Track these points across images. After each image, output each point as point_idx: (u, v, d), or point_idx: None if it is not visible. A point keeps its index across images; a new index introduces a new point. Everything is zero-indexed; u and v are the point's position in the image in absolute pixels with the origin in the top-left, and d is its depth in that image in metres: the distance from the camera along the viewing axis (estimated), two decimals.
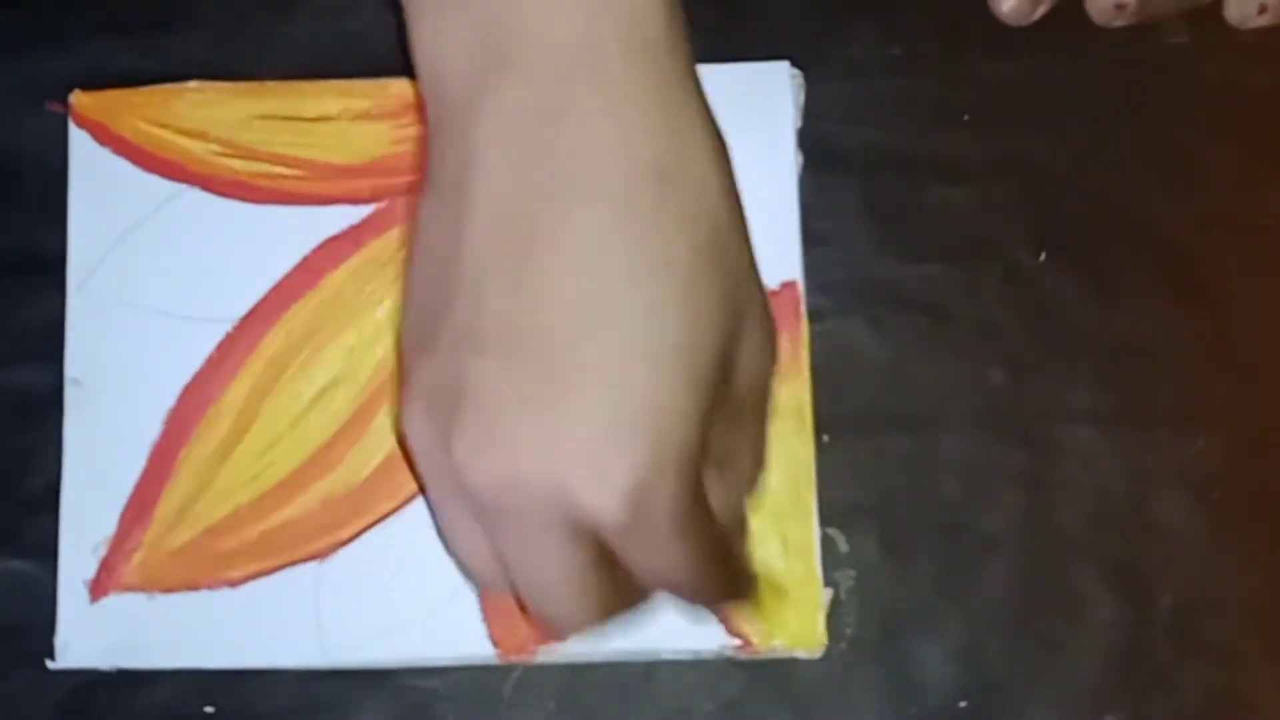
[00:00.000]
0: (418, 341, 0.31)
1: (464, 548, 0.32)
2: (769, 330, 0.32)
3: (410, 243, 0.34)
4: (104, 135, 0.41)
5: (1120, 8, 0.41)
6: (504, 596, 0.38)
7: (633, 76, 0.29)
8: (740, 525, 0.35)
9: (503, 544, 0.31)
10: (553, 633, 0.33)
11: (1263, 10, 0.41)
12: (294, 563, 0.39)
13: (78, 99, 0.41)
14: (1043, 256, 0.41)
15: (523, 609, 0.34)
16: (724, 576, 0.33)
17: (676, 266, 0.29)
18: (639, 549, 0.30)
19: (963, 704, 0.39)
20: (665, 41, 0.30)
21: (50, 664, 0.39)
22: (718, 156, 0.31)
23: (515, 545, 0.30)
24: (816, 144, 0.41)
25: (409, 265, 0.32)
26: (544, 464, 0.28)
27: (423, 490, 0.37)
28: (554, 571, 0.30)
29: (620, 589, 0.32)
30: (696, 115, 0.30)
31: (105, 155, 0.41)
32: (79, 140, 0.41)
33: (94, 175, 0.41)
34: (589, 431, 0.28)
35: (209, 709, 0.39)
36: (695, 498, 0.30)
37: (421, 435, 0.30)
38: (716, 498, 0.32)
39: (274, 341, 0.40)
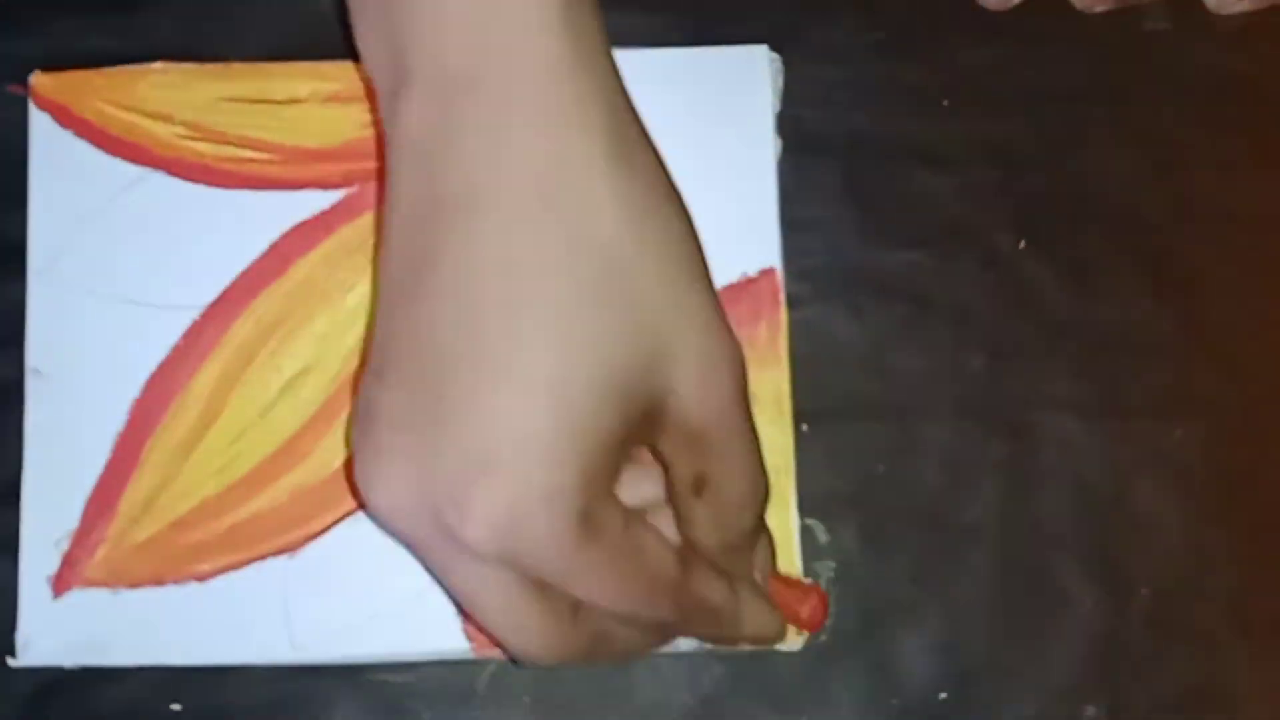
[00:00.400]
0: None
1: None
2: (716, 357, 0.30)
3: None
4: (66, 118, 0.40)
5: None
6: None
7: (522, 94, 0.28)
8: (746, 557, 0.34)
9: (431, 572, 0.31)
10: (525, 660, 0.32)
11: None
12: (263, 557, 0.38)
13: (38, 80, 0.40)
14: (1023, 244, 0.41)
15: None
16: (720, 609, 0.33)
17: (553, 301, 0.28)
18: (554, 578, 0.29)
19: (943, 695, 0.39)
20: (563, 53, 0.29)
21: (11, 662, 0.38)
22: (617, 174, 0.29)
23: (437, 573, 0.30)
24: (795, 129, 0.40)
25: None
26: (417, 495, 0.28)
27: None
28: (482, 599, 0.30)
29: (594, 628, 0.31)
30: (594, 132, 0.29)
31: (67, 138, 0.40)
32: (39, 123, 0.40)
33: (55, 159, 0.40)
34: (451, 465, 0.28)
35: (176, 707, 0.38)
36: (593, 527, 0.29)
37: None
38: (698, 522, 0.31)
39: (242, 329, 0.39)
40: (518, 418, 0.28)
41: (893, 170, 0.41)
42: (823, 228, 0.41)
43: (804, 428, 0.39)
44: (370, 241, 0.40)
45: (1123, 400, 0.40)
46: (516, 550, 0.28)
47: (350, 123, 0.40)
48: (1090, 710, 0.39)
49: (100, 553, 0.38)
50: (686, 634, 0.35)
